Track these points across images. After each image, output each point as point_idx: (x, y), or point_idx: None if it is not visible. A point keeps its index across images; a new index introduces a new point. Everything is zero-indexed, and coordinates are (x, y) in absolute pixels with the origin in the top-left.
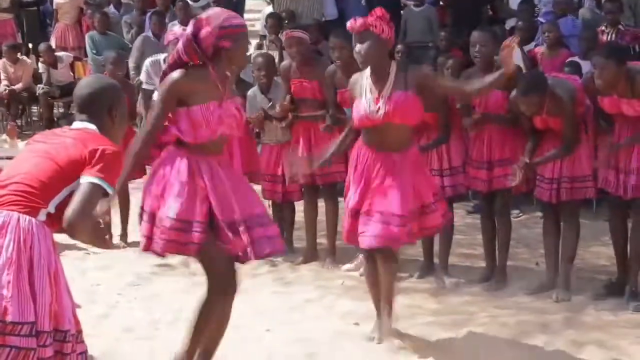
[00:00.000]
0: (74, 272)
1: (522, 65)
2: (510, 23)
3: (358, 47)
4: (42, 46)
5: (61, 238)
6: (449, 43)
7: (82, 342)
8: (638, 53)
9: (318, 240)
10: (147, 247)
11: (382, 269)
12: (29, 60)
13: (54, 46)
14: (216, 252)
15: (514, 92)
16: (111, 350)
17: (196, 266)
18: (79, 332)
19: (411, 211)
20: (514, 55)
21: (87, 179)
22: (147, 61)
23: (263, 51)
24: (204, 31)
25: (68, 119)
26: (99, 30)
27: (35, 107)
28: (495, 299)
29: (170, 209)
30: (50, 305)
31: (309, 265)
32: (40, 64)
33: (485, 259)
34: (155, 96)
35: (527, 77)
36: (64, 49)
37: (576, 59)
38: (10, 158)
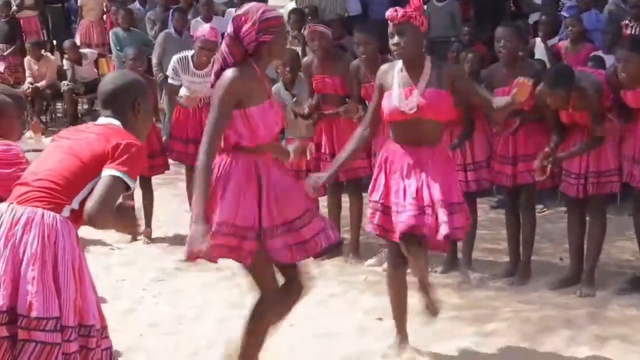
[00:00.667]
0: (99, 267)
1: (545, 60)
2: (533, 17)
3: (397, 39)
4: (66, 43)
5: (86, 234)
6: (472, 38)
7: (107, 337)
8: None
9: (342, 236)
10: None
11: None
12: (52, 57)
13: (78, 43)
14: (266, 265)
15: (540, 86)
16: (136, 346)
17: (220, 262)
18: (104, 327)
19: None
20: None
21: (108, 171)
22: (175, 57)
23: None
24: (245, 28)
25: (92, 115)
26: (123, 26)
27: (60, 104)
28: (519, 294)
29: (224, 214)
30: (74, 300)
31: (333, 260)
32: (64, 61)
33: (509, 254)
34: (183, 92)
35: (554, 71)
36: (89, 46)
37: (600, 53)
38: (36, 150)
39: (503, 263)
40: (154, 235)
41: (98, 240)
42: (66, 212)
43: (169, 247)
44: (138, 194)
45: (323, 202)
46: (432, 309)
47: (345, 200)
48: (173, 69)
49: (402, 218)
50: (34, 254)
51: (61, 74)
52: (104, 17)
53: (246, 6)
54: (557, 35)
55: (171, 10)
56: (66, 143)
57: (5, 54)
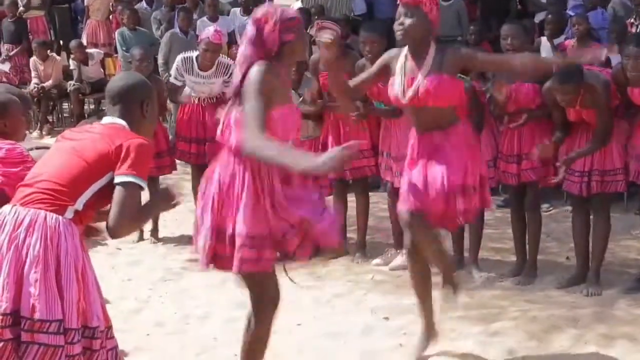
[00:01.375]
0: (105, 267)
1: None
2: (539, 16)
3: (402, 19)
4: (73, 43)
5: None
6: (478, 37)
7: (112, 337)
8: None
9: (348, 235)
10: (209, 264)
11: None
12: (58, 57)
13: (84, 43)
14: (271, 274)
15: (548, 83)
16: (142, 345)
17: None
18: (109, 327)
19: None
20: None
21: (120, 178)
22: (179, 57)
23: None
24: (267, 28)
25: (99, 115)
26: (129, 26)
27: (66, 104)
28: (526, 293)
29: (245, 225)
30: (77, 302)
31: (339, 260)
32: (71, 61)
33: (515, 253)
34: (187, 92)
35: (563, 67)
36: (95, 46)
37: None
38: (40, 148)
39: (509, 262)
40: (160, 235)
41: (103, 240)
42: (70, 213)
43: (175, 247)
44: (145, 194)
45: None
46: (451, 284)
47: (351, 199)
48: (177, 69)
49: (401, 205)
50: (37, 256)
51: (68, 74)
52: (110, 17)
53: (263, 8)
54: (563, 34)
55: (177, 10)
56: (70, 144)
57: (11, 54)
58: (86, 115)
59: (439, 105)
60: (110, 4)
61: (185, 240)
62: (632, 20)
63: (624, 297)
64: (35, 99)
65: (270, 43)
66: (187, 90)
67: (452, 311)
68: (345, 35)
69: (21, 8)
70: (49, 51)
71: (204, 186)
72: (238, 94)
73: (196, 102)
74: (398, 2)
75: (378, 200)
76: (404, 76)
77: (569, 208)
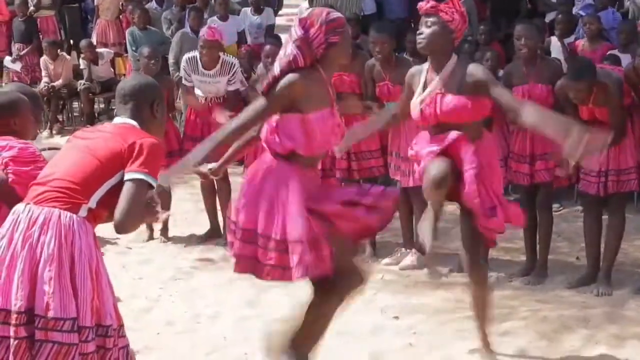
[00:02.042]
0: (116, 266)
1: (561, 58)
2: (549, 16)
3: (423, 29)
4: (83, 42)
5: (103, 233)
6: (488, 37)
7: (124, 336)
8: None
9: None
10: (246, 269)
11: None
12: (68, 57)
13: (94, 42)
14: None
15: (560, 80)
16: (153, 344)
17: None
18: (121, 326)
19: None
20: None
21: (130, 175)
22: (184, 58)
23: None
24: (313, 30)
25: (109, 114)
26: (139, 26)
27: (77, 103)
28: (536, 293)
29: (296, 231)
30: (91, 300)
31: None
32: (81, 60)
33: (525, 252)
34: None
35: (577, 63)
36: (105, 45)
37: (616, 52)
38: (52, 149)
39: (519, 262)
40: (170, 235)
41: (115, 239)
42: (83, 211)
43: (185, 246)
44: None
45: None
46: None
47: None
48: (184, 70)
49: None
50: (51, 255)
51: (78, 74)
52: (120, 16)
53: (307, 10)
54: (573, 33)
55: (187, 10)
56: (82, 143)
57: (22, 53)
58: (96, 114)
59: (457, 122)
60: (120, 3)
61: (195, 239)
62: None
63: (635, 297)
64: (46, 98)
65: (316, 45)
66: (197, 91)
67: (462, 311)
68: (355, 36)
69: (31, 8)
70: (59, 50)
71: (244, 187)
72: (268, 90)
73: (203, 101)
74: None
75: None
76: (424, 92)
77: (580, 208)
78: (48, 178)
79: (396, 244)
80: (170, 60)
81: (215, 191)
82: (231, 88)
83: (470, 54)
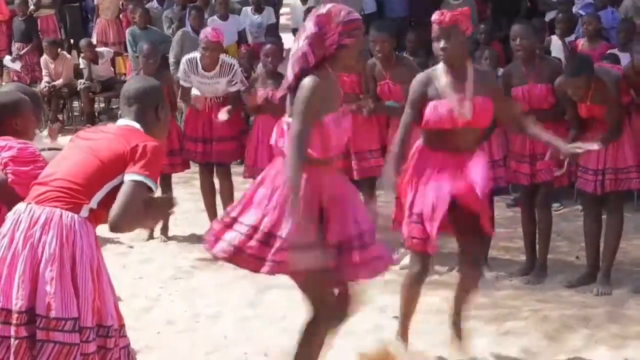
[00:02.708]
0: (116, 266)
1: (562, 57)
2: (549, 15)
3: (443, 43)
4: (83, 42)
5: (103, 232)
6: (488, 36)
7: (125, 336)
8: None
9: None
10: (258, 268)
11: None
12: (68, 56)
13: (95, 42)
14: (325, 279)
15: (559, 78)
16: (153, 344)
17: None
18: (122, 326)
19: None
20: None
21: (130, 176)
22: (184, 58)
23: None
24: (328, 29)
25: (109, 114)
26: (140, 25)
27: (77, 102)
28: (536, 292)
29: (290, 230)
30: (92, 301)
31: None
32: (81, 60)
33: (525, 252)
34: (194, 92)
35: (575, 59)
36: (105, 45)
37: (615, 51)
38: (52, 149)
39: (519, 261)
40: (170, 234)
41: (115, 238)
42: (85, 212)
43: (185, 246)
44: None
45: None
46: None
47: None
48: (183, 71)
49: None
50: (53, 255)
51: (78, 73)
52: (121, 15)
53: (327, 5)
54: (573, 33)
55: (188, 9)
56: (85, 143)
57: (22, 53)
58: (96, 114)
59: (483, 126)
60: (121, 2)
61: (195, 239)
62: None
63: (635, 297)
64: (46, 98)
65: (328, 43)
66: (194, 91)
67: (465, 310)
68: None
69: (32, 7)
70: (59, 50)
71: (254, 187)
72: (292, 91)
73: (202, 101)
74: (434, 22)
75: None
76: (454, 95)
77: (580, 207)
78: (50, 178)
79: (401, 242)
80: (171, 59)
81: (215, 191)
82: (233, 89)
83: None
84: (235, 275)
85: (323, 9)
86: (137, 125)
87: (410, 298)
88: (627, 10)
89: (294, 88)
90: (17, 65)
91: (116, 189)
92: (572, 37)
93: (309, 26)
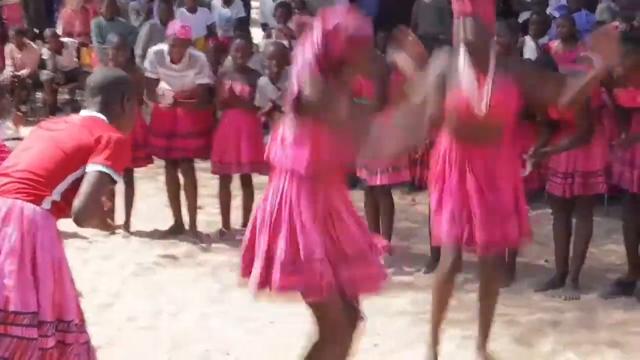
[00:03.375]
0: (77, 261)
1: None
2: (523, 16)
3: (467, 32)
4: (47, 32)
5: (64, 227)
6: None
7: (85, 331)
8: None
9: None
10: (261, 287)
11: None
12: (35, 46)
13: (60, 32)
14: (332, 297)
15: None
16: (114, 340)
17: (201, 257)
18: (82, 321)
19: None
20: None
21: (94, 167)
22: (151, 50)
23: (274, 40)
24: (335, 41)
25: (72, 105)
26: (106, 16)
27: (40, 93)
28: (506, 296)
29: (287, 250)
30: (52, 295)
31: None
32: (45, 50)
33: None
34: (163, 85)
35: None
36: (70, 35)
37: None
38: (16, 139)
39: None
40: (133, 229)
41: (76, 233)
42: (47, 204)
43: (148, 242)
44: (119, 187)
45: None
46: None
47: None
48: (150, 62)
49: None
50: (13, 247)
51: (41, 64)
52: (87, 6)
53: (335, 15)
54: (546, 34)
55: (156, 1)
56: (48, 134)
57: None
58: (59, 105)
59: (505, 118)
60: None
61: (157, 234)
62: (617, 23)
63: (603, 302)
64: (9, 88)
65: (334, 56)
66: (162, 84)
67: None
68: None
69: None
70: (25, 39)
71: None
72: (296, 105)
73: (170, 95)
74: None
75: (355, 199)
76: (473, 85)
77: (550, 211)
78: (12, 169)
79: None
80: (138, 52)
81: (180, 187)
82: (199, 82)
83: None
84: (198, 272)
85: (331, 20)
86: (102, 117)
87: (441, 300)
88: (601, 13)
89: (296, 99)
90: None
91: (79, 180)
92: (546, 39)
93: (315, 34)
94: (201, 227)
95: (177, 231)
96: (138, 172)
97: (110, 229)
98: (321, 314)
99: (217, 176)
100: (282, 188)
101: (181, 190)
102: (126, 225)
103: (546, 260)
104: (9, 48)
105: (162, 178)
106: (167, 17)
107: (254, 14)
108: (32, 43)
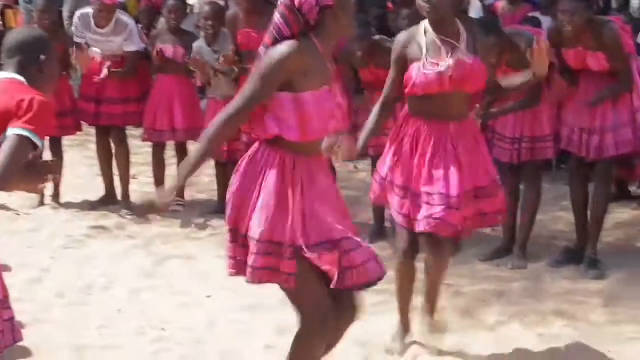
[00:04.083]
0: (3, 233)
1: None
2: None
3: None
4: None
5: None
6: None
7: (9, 308)
8: (602, 9)
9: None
10: (233, 270)
11: (434, 259)
12: None
13: None
14: (308, 283)
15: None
16: (42, 317)
17: (133, 229)
18: (6, 297)
19: (466, 193)
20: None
21: (14, 130)
22: (76, 14)
23: (211, 0)
24: None
25: None
26: None
27: None
28: (450, 266)
29: (254, 228)
30: None
31: None
32: None
33: None
34: (95, 50)
35: (483, 20)
36: None
37: (537, 14)
38: None
39: None
40: (62, 200)
41: (2, 204)
42: None
43: (78, 213)
44: (47, 156)
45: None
46: (436, 327)
47: None
48: (75, 27)
49: (434, 213)
50: None
51: None
52: None
53: None
54: None
55: None
56: None
57: None
58: None
59: (469, 90)
60: None
61: (87, 206)
62: None
63: (551, 271)
64: None
65: (306, 10)
66: (93, 49)
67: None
68: None
69: None
70: None
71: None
72: None
73: (99, 59)
74: None
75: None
76: (439, 55)
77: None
78: None
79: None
80: (65, 14)
81: (111, 155)
82: (129, 49)
83: (381, 17)
84: (130, 244)
85: None
86: (21, 78)
87: (400, 279)
88: None
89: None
90: None
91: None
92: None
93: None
94: (134, 197)
95: (108, 202)
96: (66, 141)
97: (39, 191)
98: (295, 300)
99: (149, 143)
100: (257, 160)
101: (113, 159)
102: (55, 197)
103: (492, 229)
104: None
105: (92, 146)
106: None
107: None
108: None
